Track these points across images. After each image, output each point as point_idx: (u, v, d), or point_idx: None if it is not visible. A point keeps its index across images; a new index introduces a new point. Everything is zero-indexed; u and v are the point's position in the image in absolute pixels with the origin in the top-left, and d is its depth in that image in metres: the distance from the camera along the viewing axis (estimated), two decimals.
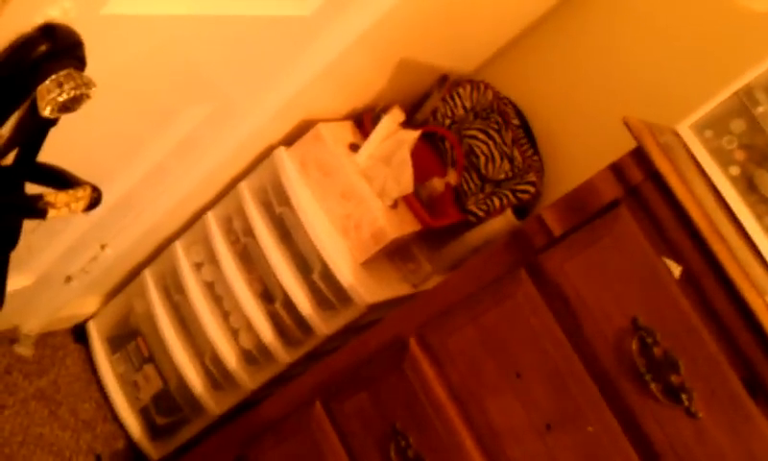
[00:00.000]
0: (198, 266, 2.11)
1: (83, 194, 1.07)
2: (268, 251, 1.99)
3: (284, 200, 1.99)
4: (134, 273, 2.21)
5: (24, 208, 1.08)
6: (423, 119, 2.31)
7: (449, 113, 2.29)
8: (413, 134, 2.09)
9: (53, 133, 1.13)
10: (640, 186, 1.39)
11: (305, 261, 1.98)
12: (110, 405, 2.21)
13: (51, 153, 1.17)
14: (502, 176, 2.23)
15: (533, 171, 2.19)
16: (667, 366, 1.34)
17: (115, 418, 2.21)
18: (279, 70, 1.80)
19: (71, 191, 1.07)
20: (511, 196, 2.19)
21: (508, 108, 2.24)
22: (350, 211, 1.97)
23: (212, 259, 2.09)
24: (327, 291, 1.95)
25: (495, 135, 2.24)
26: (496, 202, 2.19)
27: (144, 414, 2.19)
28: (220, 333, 2.07)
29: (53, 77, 0.99)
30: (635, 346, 1.37)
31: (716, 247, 1.31)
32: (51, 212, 1.04)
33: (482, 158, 2.25)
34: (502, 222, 2.12)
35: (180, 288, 2.11)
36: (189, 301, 2.09)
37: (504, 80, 2.32)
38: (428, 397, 1.57)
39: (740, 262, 1.32)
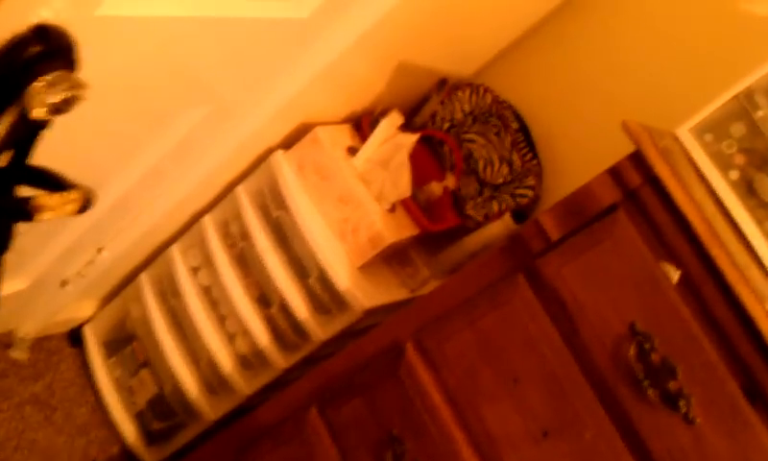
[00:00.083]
0: (194, 270, 2.10)
1: (74, 197, 1.06)
2: (264, 255, 1.98)
3: (281, 203, 1.98)
4: (131, 277, 2.20)
5: (13, 211, 1.07)
6: (422, 123, 2.31)
7: (448, 117, 2.28)
8: (411, 138, 2.08)
9: (49, 135, 1.12)
10: (639, 190, 1.38)
11: (302, 265, 1.97)
12: (105, 410, 2.19)
13: (47, 155, 1.16)
14: (501, 180, 2.22)
15: (532, 175, 2.18)
16: (665, 372, 1.33)
17: (110, 423, 2.19)
18: (277, 73, 1.79)
19: (63, 194, 1.06)
20: (509, 200, 2.18)
21: (507, 111, 2.23)
22: (348, 215, 1.95)
23: (209, 263, 2.07)
24: (324, 295, 1.94)
25: (494, 139, 2.23)
26: (495, 206, 2.18)
27: (139, 419, 2.18)
28: (216, 338, 2.06)
29: (44, 78, 0.98)
30: (632, 351, 1.36)
31: (715, 252, 1.30)
32: (42, 215, 1.03)
33: (481, 162, 2.24)
34: (501, 226, 2.11)
35: (177, 292, 2.09)
36: (185, 305, 2.08)
37: (503, 83, 2.31)
38: (425, 403, 1.56)
39: (740, 268, 1.31)
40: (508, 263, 1.51)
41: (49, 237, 1.85)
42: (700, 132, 1.40)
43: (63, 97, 1.01)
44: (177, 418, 2.15)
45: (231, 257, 2.06)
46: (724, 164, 1.38)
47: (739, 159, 1.38)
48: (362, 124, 2.12)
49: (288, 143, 2.03)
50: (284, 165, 1.98)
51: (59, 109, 1.02)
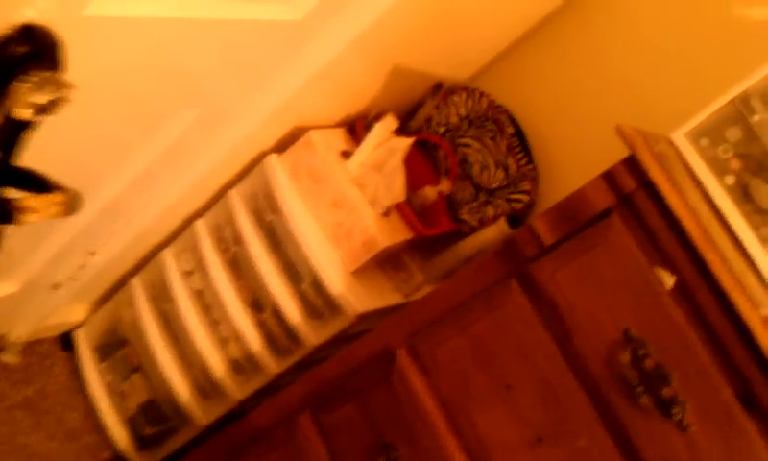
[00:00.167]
0: (187, 274, 2.09)
1: (60, 199, 1.04)
2: (258, 259, 1.97)
3: (275, 208, 1.97)
4: (123, 281, 2.19)
5: None
6: (417, 127, 2.30)
7: (443, 121, 2.27)
8: (406, 142, 2.07)
9: (38, 137, 1.11)
10: (633, 195, 1.37)
11: (295, 270, 1.95)
12: (97, 415, 2.18)
13: (36, 157, 1.15)
14: (496, 184, 2.20)
15: (527, 180, 2.17)
16: (659, 379, 1.31)
17: (102, 427, 2.18)
18: (271, 76, 1.77)
19: (49, 196, 1.05)
20: (505, 205, 2.17)
21: (502, 116, 2.22)
22: (341, 219, 1.94)
23: (202, 268, 2.06)
24: (317, 300, 1.93)
25: (490, 144, 2.22)
26: (490, 211, 2.17)
27: (131, 424, 2.16)
28: (208, 343, 2.05)
29: (28, 79, 0.96)
30: (626, 358, 1.34)
31: (710, 258, 1.29)
32: (26, 217, 1.01)
33: (476, 167, 2.23)
34: (496, 231, 2.10)
35: (169, 297, 2.08)
36: (178, 309, 2.06)
37: (499, 88, 2.29)
38: (417, 409, 1.55)
39: (735, 274, 1.30)
40: (501, 268, 1.49)
41: (40, 240, 1.84)
42: (696, 136, 1.39)
43: (48, 98, 1.00)
44: (168, 423, 2.13)
45: (224, 262, 2.04)
46: (720, 169, 1.37)
47: (735, 164, 1.36)
48: (356, 128, 2.11)
49: (282, 147, 2.02)
50: (278, 169, 1.97)
51: (44, 109, 1.01)
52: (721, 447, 1.27)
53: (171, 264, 2.09)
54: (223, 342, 2.04)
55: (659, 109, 1.77)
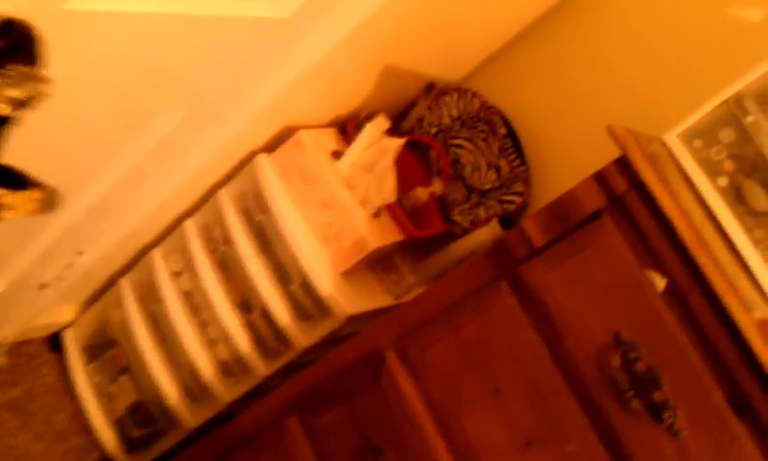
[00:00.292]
0: (176, 275, 2.07)
1: (37, 196, 1.02)
2: (247, 260, 1.95)
3: (264, 207, 1.95)
4: (112, 281, 2.17)
5: None
6: (409, 127, 2.28)
7: (435, 122, 2.25)
8: (397, 142, 2.05)
9: (21, 133, 1.09)
10: (625, 196, 1.35)
11: (285, 270, 1.93)
12: (85, 416, 2.16)
13: (20, 154, 1.13)
14: (488, 186, 2.18)
15: (520, 181, 2.15)
16: (650, 382, 1.29)
17: (90, 429, 2.16)
18: (259, 74, 1.75)
19: (26, 192, 1.03)
20: (497, 206, 2.15)
21: (495, 117, 2.20)
22: (332, 220, 1.92)
23: (190, 268, 2.04)
24: (306, 301, 1.91)
25: (482, 145, 2.20)
26: (482, 212, 2.15)
27: (119, 425, 2.15)
28: (197, 344, 2.03)
29: (5, 73, 0.94)
30: (617, 361, 1.32)
31: (702, 260, 1.27)
32: (4, 214, 0.99)
33: (468, 168, 2.21)
34: (488, 233, 2.09)
35: (158, 298, 2.06)
36: (166, 310, 2.05)
37: (491, 88, 2.28)
38: (406, 412, 1.53)
39: (727, 276, 1.28)
40: (491, 270, 1.48)
41: (27, 239, 1.82)
42: (689, 137, 1.37)
43: (27, 93, 0.98)
44: (157, 425, 2.12)
45: (213, 262, 2.03)
46: (712, 171, 1.36)
47: (728, 166, 1.35)
48: (347, 128, 2.09)
49: (271, 146, 2.00)
50: (267, 169, 1.95)
51: (23, 104, 0.99)
52: (712, 451, 1.26)
53: (160, 264, 2.07)
54: (211, 343, 2.02)
55: (652, 111, 1.76)
